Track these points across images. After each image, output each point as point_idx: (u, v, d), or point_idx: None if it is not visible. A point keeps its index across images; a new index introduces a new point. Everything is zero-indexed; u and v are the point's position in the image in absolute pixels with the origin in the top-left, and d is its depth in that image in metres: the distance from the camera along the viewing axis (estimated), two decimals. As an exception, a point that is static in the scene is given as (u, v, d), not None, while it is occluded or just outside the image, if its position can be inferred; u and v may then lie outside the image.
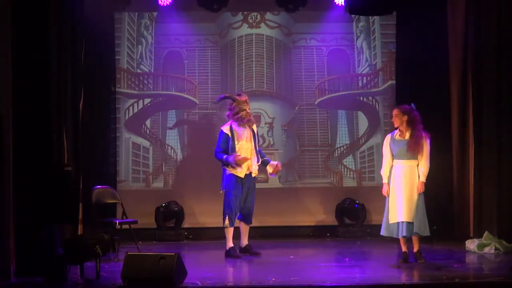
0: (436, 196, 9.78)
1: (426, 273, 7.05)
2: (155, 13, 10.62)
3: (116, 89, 10.42)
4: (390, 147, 7.77)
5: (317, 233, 10.44)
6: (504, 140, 8.83)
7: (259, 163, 8.44)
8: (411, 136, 7.65)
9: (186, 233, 10.23)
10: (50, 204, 7.11)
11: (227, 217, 8.29)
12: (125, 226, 8.66)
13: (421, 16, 10.12)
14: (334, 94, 10.77)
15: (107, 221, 8.66)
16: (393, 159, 7.75)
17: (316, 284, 6.48)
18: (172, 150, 10.60)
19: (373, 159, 10.58)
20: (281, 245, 9.60)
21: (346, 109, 10.80)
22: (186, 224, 10.33)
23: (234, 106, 8.37)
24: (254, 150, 8.39)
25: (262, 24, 10.76)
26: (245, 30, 10.76)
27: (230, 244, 8.33)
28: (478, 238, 8.76)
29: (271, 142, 10.65)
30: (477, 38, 9.21)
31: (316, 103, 10.75)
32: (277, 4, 10.38)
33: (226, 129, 8.39)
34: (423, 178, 7.64)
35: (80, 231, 8.87)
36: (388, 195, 7.71)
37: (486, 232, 8.70)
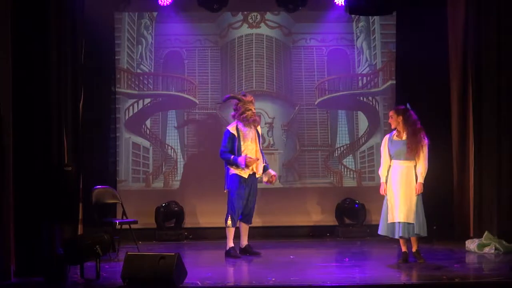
0: (436, 196, 9.78)
1: (426, 273, 7.05)
2: (155, 13, 10.62)
3: (116, 89, 10.42)
4: (387, 148, 7.81)
5: (317, 233, 10.44)
6: (504, 140, 8.83)
7: (264, 163, 8.48)
8: (407, 136, 7.67)
9: (186, 233, 10.23)
10: (50, 204, 7.12)
11: (229, 217, 8.29)
12: (125, 226, 8.67)
13: (421, 16, 10.12)
14: (334, 94, 10.77)
15: (107, 221, 8.67)
16: (391, 160, 7.78)
17: (316, 284, 6.49)
18: (172, 150, 10.60)
19: (373, 159, 10.58)
20: (281, 245, 9.60)
21: (346, 109, 10.79)
22: (186, 224, 10.33)
23: (240, 106, 8.38)
24: (259, 151, 8.41)
25: (262, 24, 10.76)
26: (245, 30, 10.76)
27: (230, 244, 8.33)
28: (478, 238, 8.76)
29: (271, 142, 10.65)
30: (477, 38, 9.21)
31: (316, 103, 10.75)
32: (277, 4, 10.38)
33: (232, 128, 8.39)
34: (421, 179, 7.65)
35: (80, 231, 8.87)
36: (386, 195, 7.74)
37: (486, 232, 8.70)
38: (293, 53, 10.79)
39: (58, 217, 7.22)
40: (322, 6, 10.59)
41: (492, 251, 8.48)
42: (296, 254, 8.64)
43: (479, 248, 8.57)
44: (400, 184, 7.66)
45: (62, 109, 7.95)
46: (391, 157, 7.78)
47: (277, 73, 10.74)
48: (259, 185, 8.64)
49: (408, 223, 7.61)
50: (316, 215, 10.59)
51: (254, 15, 10.75)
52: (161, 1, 10.24)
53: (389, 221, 7.70)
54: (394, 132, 7.82)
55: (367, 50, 10.75)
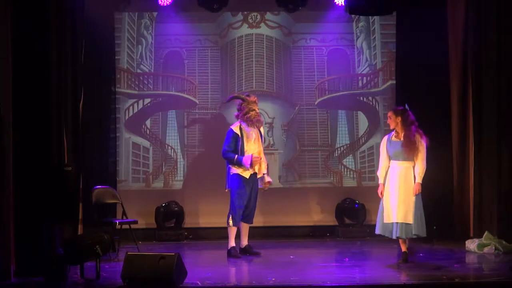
0: (436, 196, 9.78)
1: (426, 273, 7.05)
2: (155, 13, 10.62)
3: (116, 89, 10.42)
4: (386, 148, 7.82)
5: (317, 233, 10.44)
6: (504, 140, 8.83)
7: (267, 163, 8.50)
8: (404, 137, 7.68)
9: (186, 233, 10.23)
10: (50, 204, 7.12)
11: (230, 217, 8.29)
12: (125, 226, 8.67)
13: (421, 16, 10.12)
14: (334, 94, 10.77)
15: (107, 221, 8.67)
16: (389, 160, 7.79)
17: (316, 284, 6.49)
18: (172, 150, 10.60)
19: (373, 159, 10.58)
20: (281, 245, 9.60)
21: (346, 109, 10.79)
22: (186, 224, 10.33)
23: (244, 106, 8.39)
24: (262, 151, 8.43)
25: (262, 24, 10.76)
26: (245, 30, 10.76)
27: (231, 243, 8.34)
28: (478, 238, 8.76)
29: (271, 142, 10.65)
30: (477, 38, 9.21)
31: (316, 103, 10.75)
32: (277, 4, 10.37)
33: (236, 128, 8.39)
34: (419, 179, 7.65)
35: (80, 231, 8.88)
36: (382, 197, 7.77)
37: (486, 232, 8.70)
38: (293, 53, 10.79)
39: (58, 217, 7.22)
40: (322, 6, 10.58)
41: (492, 251, 8.48)
42: (296, 254, 8.64)
43: (479, 248, 8.57)
44: (398, 184, 7.67)
45: (62, 109, 7.95)
46: (389, 158, 7.80)
47: (277, 73, 10.74)
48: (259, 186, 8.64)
49: (406, 224, 7.62)
50: (316, 215, 10.59)
51: (254, 15, 10.75)
52: (161, 1, 10.24)
53: (385, 221, 7.73)
54: (393, 133, 7.84)
55: (367, 50, 10.75)
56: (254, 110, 8.39)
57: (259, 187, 8.53)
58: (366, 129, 10.73)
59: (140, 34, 10.60)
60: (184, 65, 10.68)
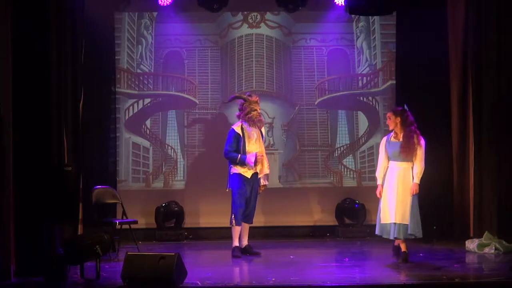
0: (436, 196, 9.80)
1: (426, 273, 7.05)
2: (155, 13, 10.62)
3: (116, 89, 10.42)
4: (385, 149, 7.84)
5: (317, 233, 10.44)
6: (504, 140, 8.83)
7: (268, 163, 8.51)
8: (403, 137, 7.69)
9: (186, 233, 10.22)
10: (50, 204, 7.12)
11: (232, 216, 8.29)
12: (125, 226, 8.67)
13: (421, 16, 10.11)
14: (334, 94, 10.77)
15: (107, 221, 8.67)
16: (388, 161, 7.80)
17: (316, 284, 6.49)
18: (172, 150, 10.60)
19: (373, 159, 10.56)
20: (281, 245, 9.60)
21: (346, 109, 10.79)
22: (186, 224, 10.32)
23: (246, 106, 8.39)
24: (264, 151, 8.43)
25: (262, 24, 10.76)
26: (245, 30, 10.76)
27: (234, 243, 8.35)
28: (478, 238, 8.76)
29: (271, 142, 10.65)
30: (477, 38, 9.21)
31: (316, 103, 10.75)
32: (277, 4, 10.37)
33: (237, 128, 8.39)
34: (417, 180, 7.67)
35: (80, 231, 8.88)
36: (381, 198, 7.78)
37: (486, 232, 8.70)
38: (293, 53, 10.79)
39: (58, 217, 7.22)
40: (322, 6, 10.58)
41: (492, 251, 8.48)
42: (296, 254, 8.64)
43: (479, 248, 8.56)
44: (397, 185, 7.69)
45: (62, 109, 7.95)
46: (388, 158, 7.81)
47: (277, 73, 10.74)
48: (259, 185, 8.65)
49: (404, 224, 7.63)
50: (316, 215, 10.59)
51: (254, 15, 10.75)
52: (161, 1, 10.24)
53: (382, 221, 7.75)
54: (392, 133, 7.85)
55: (367, 50, 10.75)
56: (256, 110, 8.39)
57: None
58: (366, 129, 10.74)
59: (140, 34, 10.60)
60: (184, 65, 10.68)
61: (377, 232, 7.89)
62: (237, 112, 8.55)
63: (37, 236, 7.02)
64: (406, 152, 7.66)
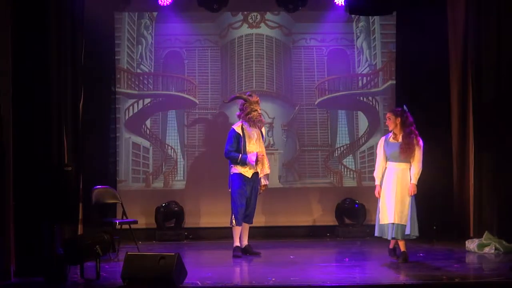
0: (436, 197, 9.81)
1: (426, 273, 7.05)
2: (155, 13, 10.62)
3: (116, 89, 10.42)
4: (383, 149, 7.84)
5: (317, 233, 10.44)
6: (504, 140, 8.82)
7: (269, 163, 8.52)
8: (403, 138, 7.69)
9: (186, 233, 10.22)
10: (50, 204, 7.12)
11: (233, 216, 8.29)
12: (125, 226, 8.67)
13: (421, 16, 10.12)
14: (334, 94, 10.77)
15: (107, 221, 8.67)
16: (386, 161, 7.81)
17: (316, 284, 6.49)
18: (172, 150, 10.60)
19: (373, 159, 10.48)
20: (281, 245, 9.60)
21: (346, 109, 10.79)
22: (186, 224, 10.32)
23: (246, 106, 8.38)
24: (264, 151, 8.44)
25: (262, 24, 10.76)
26: (245, 30, 10.76)
27: (235, 243, 8.36)
28: (478, 238, 8.76)
29: (271, 142, 10.65)
30: (477, 38, 9.21)
31: (316, 103, 10.75)
32: (277, 4, 10.37)
33: (237, 128, 8.39)
34: (414, 181, 7.68)
35: (80, 231, 8.88)
36: (379, 198, 7.78)
37: (486, 232, 8.70)
38: (293, 53, 10.79)
39: (58, 217, 7.22)
40: (322, 6, 10.58)
41: (492, 251, 8.48)
42: (296, 254, 8.64)
43: (479, 248, 8.56)
44: (395, 185, 7.69)
45: (62, 109, 7.96)
46: (386, 159, 7.82)
47: (277, 73, 10.74)
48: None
49: (402, 225, 7.64)
50: (316, 215, 10.58)
51: (254, 15, 10.75)
52: (161, 1, 10.24)
53: (381, 222, 7.76)
54: (390, 134, 7.85)
55: (367, 50, 10.75)
56: (256, 110, 8.39)
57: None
58: (366, 129, 10.74)
59: (140, 34, 10.60)
60: (184, 65, 10.68)
61: (376, 233, 7.89)
62: (237, 112, 8.55)
63: (37, 236, 7.02)
64: (406, 153, 7.67)
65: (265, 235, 10.11)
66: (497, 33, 8.90)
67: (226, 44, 10.75)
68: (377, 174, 7.88)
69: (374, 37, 10.74)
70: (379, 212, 7.80)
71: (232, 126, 8.52)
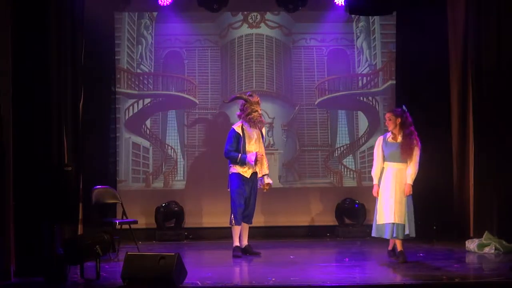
0: (436, 196, 9.81)
1: (426, 273, 7.05)
2: (155, 13, 10.62)
3: (116, 89, 10.42)
4: (382, 149, 7.84)
5: (317, 233, 10.44)
6: (505, 140, 8.82)
7: (268, 163, 8.51)
8: (403, 138, 7.69)
9: (186, 233, 10.22)
10: (50, 204, 7.12)
11: (232, 216, 8.30)
12: (125, 226, 8.67)
13: (421, 16, 10.12)
14: (334, 94, 10.77)
15: (107, 221, 8.66)
16: (384, 161, 7.81)
17: (316, 284, 6.49)
18: (172, 150, 10.60)
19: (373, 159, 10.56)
20: (281, 245, 9.60)
21: (346, 109, 10.79)
22: (186, 224, 10.32)
23: (247, 107, 8.38)
24: (264, 152, 8.43)
25: (262, 24, 10.76)
26: (245, 30, 10.76)
27: (235, 243, 8.36)
28: (478, 238, 8.76)
29: (271, 142, 10.65)
30: (477, 38, 9.20)
31: (316, 103, 10.75)
32: (277, 4, 10.38)
33: (237, 128, 8.39)
34: (410, 181, 7.69)
35: (80, 231, 8.88)
36: (377, 197, 7.78)
37: (486, 232, 8.70)
38: (293, 53, 10.79)
39: (58, 217, 7.22)
40: (322, 6, 10.59)
41: (492, 251, 8.47)
42: (296, 254, 8.64)
43: (479, 248, 8.56)
44: (393, 185, 7.70)
45: (62, 109, 7.95)
46: (384, 159, 7.82)
47: (277, 73, 10.74)
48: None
49: (402, 224, 7.65)
50: (316, 215, 10.59)
51: (254, 15, 10.76)
52: (161, 1, 10.24)
53: (378, 222, 7.76)
54: (389, 134, 7.85)
55: (367, 50, 10.75)
56: (257, 111, 8.39)
57: (259, 187, 8.54)
58: (366, 129, 10.74)
59: (140, 34, 10.60)
60: (184, 65, 10.68)
61: (373, 234, 7.90)
62: (238, 112, 8.55)
63: (37, 236, 7.02)
64: (406, 153, 7.67)
65: (265, 235, 10.11)
66: (497, 33, 8.90)
67: (226, 44, 10.75)
68: (375, 173, 7.89)
69: (374, 37, 10.74)
70: (377, 213, 7.80)
71: (232, 126, 8.52)
